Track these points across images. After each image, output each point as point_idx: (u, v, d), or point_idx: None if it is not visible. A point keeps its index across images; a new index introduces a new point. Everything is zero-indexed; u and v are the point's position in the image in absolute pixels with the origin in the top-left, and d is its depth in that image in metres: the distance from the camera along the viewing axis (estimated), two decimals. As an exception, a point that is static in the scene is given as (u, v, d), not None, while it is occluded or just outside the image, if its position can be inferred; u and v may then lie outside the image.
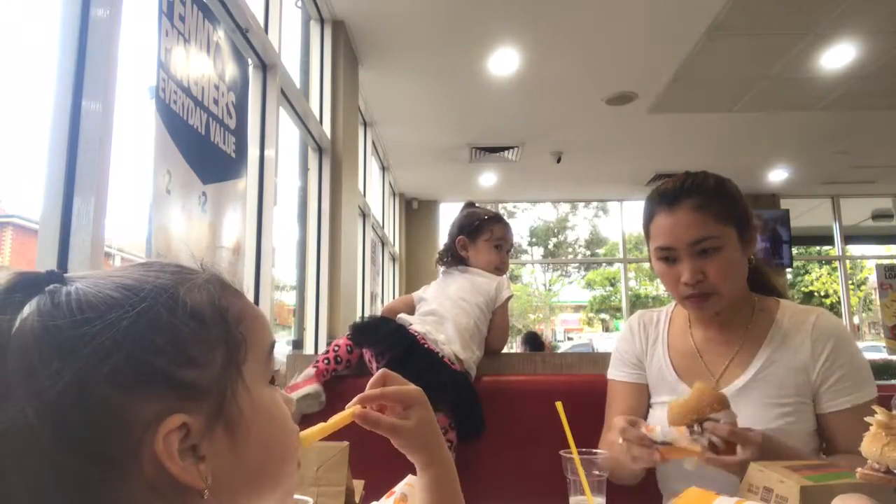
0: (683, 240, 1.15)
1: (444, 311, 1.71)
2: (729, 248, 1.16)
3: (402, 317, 1.77)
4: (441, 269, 1.93)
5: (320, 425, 0.70)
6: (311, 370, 1.62)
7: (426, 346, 1.61)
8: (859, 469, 0.79)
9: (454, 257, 1.88)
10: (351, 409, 0.72)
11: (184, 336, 0.46)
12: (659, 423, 1.16)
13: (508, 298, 1.79)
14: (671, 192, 1.19)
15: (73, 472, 0.41)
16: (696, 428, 1.01)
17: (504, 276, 1.86)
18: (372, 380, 0.75)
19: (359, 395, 0.73)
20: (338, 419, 0.71)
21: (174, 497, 0.44)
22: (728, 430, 0.98)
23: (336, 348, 1.67)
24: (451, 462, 0.77)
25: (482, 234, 1.86)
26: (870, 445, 0.77)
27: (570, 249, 15.97)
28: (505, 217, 2.03)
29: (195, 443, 0.45)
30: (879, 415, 0.78)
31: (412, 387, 0.76)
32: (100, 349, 0.42)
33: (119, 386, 0.42)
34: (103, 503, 0.42)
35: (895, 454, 0.76)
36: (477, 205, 2.00)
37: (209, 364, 0.47)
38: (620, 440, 1.03)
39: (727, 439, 0.99)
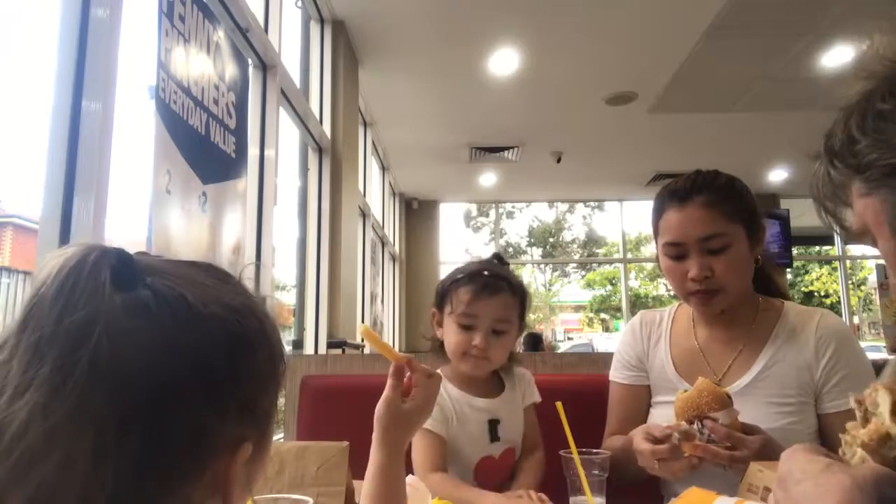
0: (693, 235, 1.16)
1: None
2: (737, 246, 1.16)
3: None
4: None
5: (381, 342, 0.89)
6: None
7: None
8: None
9: (434, 343, 1.31)
10: (403, 355, 0.88)
11: (266, 368, 0.47)
12: (659, 423, 1.17)
13: None
14: (682, 189, 1.20)
15: (139, 464, 0.39)
16: (696, 425, 1.01)
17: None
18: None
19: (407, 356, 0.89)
20: (391, 350, 0.88)
21: None
22: (725, 434, 0.99)
23: None
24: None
25: (445, 303, 1.26)
26: None
27: (567, 249, 15.97)
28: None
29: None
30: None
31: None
32: (200, 363, 0.42)
33: (213, 402, 0.42)
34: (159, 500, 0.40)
35: None
36: (498, 258, 1.31)
37: (271, 394, 0.48)
38: (657, 465, 1.04)
39: (725, 441, 0.99)
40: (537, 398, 1.32)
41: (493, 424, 1.24)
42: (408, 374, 0.88)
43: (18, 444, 0.36)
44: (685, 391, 1.05)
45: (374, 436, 0.85)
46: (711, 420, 1.00)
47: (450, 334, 1.24)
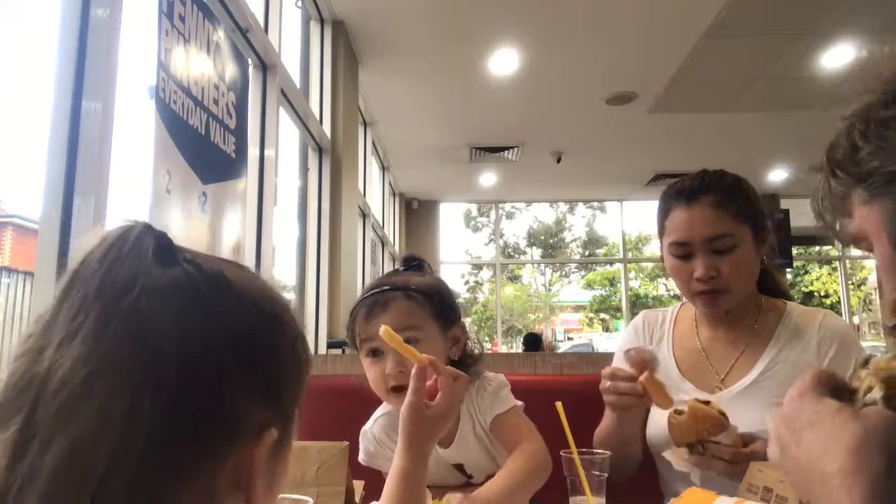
0: (699, 235, 1.16)
1: None
2: (743, 247, 1.16)
3: None
4: None
5: (403, 343, 0.87)
6: None
7: None
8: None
9: None
10: (426, 356, 0.86)
11: (293, 356, 0.48)
12: (660, 423, 1.17)
13: None
14: (689, 188, 1.19)
15: (165, 441, 0.39)
16: (699, 449, 1.01)
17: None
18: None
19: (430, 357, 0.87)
20: (414, 352, 0.86)
21: None
22: (731, 454, 0.99)
23: None
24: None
25: (354, 337, 1.12)
26: None
27: (567, 250, 15.96)
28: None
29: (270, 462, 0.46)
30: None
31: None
32: (233, 335, 0.43)
33: (241, 377, 0.43)
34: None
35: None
36: (407, 262, 1.18)
37: (295, 388, 0.49)
38: (608, 383, 1.09)
39: (731, 461, 1.00)
40: (501, 409, 1.11)
41: (460, 466, 1.13)
42: (432, 377, 0.86)
43: (64, 389, 0.37)
44: (678, 413, 1.04)
45: (399, 441, 0.84)
46: (713, 443, 1.01)
47: (366, 371, 1.08)
